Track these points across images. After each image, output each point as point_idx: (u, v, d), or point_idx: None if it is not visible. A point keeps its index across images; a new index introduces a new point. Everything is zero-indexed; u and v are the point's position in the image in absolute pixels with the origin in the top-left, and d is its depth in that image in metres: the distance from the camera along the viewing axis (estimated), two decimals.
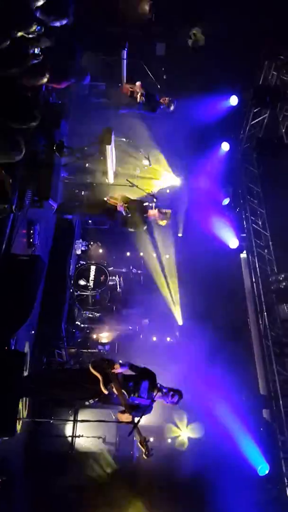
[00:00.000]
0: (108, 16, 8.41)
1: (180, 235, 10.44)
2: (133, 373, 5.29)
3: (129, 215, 6.78)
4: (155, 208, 6.84)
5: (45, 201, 5.80)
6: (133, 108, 7.84)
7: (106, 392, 4.94)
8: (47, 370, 7.08)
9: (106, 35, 8.26)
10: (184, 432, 8.22)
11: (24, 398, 5.69)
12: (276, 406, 9.25)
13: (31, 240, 6.01)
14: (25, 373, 5.64)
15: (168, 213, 6.79)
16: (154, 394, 5.12)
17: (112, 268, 9.01)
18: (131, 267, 9.52)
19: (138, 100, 7.74)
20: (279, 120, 10.26)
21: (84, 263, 8.61)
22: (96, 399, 5.02)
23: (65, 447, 6.98)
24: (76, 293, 8.14)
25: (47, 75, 5.00)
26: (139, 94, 7.64)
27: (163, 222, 6.89)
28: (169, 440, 8.14)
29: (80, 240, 8.73)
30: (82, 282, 8.18)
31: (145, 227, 7.03)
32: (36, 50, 4.88)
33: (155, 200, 8.13)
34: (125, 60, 8.13)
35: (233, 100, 10.65)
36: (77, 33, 6.44)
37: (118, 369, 5.06)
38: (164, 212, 6.76)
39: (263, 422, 9.19)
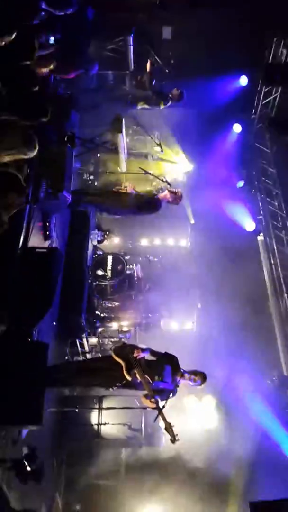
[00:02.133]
0: (112, 2, 8.30)
1: (192, 222, 10.38)
2: (155, 359, 5.33)
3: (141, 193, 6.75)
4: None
5: (59, 193, 5.81)
6: (145, 102, 7.78)
7: (129, 377, 4.99)
8: (70, 360, 7.16)
9: (111, 22, 8.16)
10: (210, 415, 8.24)
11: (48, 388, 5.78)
12: None
13: (47, 232, 6.05)
14: (49, 364, 5.71)
15: (179, 193, 6.72)
16: (178, 378, 5.15)
17: (128, 257, 9.01)
18: (147, 255, 9.50)
19: (146, 86, 7.68)
20: None
21: (101, 253, 8.64)
22: (120, 385, 5.06)
23: (92, 435, 7.06)
24: (94, 283, 8.18)
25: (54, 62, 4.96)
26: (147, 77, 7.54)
27: (175, 203, 6.82)
28: (196, 425, 8.18)
29: (96, 231, 8.74)
30: (100, 272, 8.21)
31: (158, 211, 6.95)
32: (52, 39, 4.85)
33: (168, 186, 8.11)
34: (131, 46, 8.05)
35: (243, 80, 10.49)
36: (82, 22, 6.39)
37: (140, 354, 5.10)
38: (175, 192, 6.69)
39: None
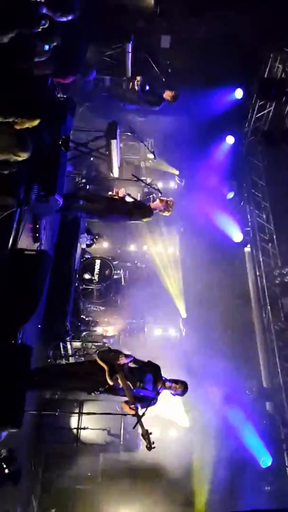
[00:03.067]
0: (112, 9, 8.34)
1: (182, 229, 10.44)
2: (138, 366, 5.36)
3: (132, 199, 6.75)
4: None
5: (51, 196, 5.81)
6: (138, 104, 7.81)
7: (111, 382, 5.01)
8: (53, 364, 7.15)
9: (110, 28, 8.21)
10: (188, 425, 8.29)
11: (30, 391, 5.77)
12: (279, 399, 9.32)
13: (37, 235, 6.05)
14: (32, 366, 5.71)
15: (170, 202, 6.69)
16: (159, 386, 5.19)
17: (116, 262, 9.04)
18: (135, 261, 9.54)
19: (136, 89, 7.68)
20: (284, 113, 10.21)
21: (89, 257, 8.65)
22: (102, 389, 5.08)
23: (71, 439, 7.06)
24: (81, 287, 8.19)
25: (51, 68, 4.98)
26: (136, 84, 7.57)
27: (167, 213, 6.80)
28: (174, 432, 8.22)
29: (85, 234, 8.76)
30: (87, 276, 8.22)
31: (150, 218, 6.95)
32: (46, 47, 4.87)
33: (159, 194, 8.16)
34: (130, 53, 8.10)
35: (238, 93, 10.60)
36: (82, 27, 6.41)
37: (123, 360, 5.13)
38: (166, 201, 6.70)
39: (266, 415, 9.26)
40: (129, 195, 6.80)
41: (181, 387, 5.29)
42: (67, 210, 6.87)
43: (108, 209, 6.84)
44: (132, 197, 6.83)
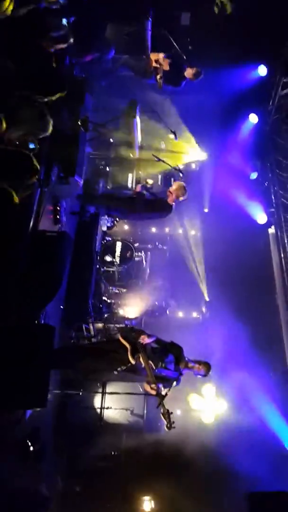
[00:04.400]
0: None
1: (206, 210, 10.31)
2: (159, 346, 5.36)
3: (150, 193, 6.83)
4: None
5: (71, 177, 5.79)
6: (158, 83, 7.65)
7: (133, 361, 5.03)
8: (75, 343, 7.22)
9: (129, 6, 8.03)
10: (211, 406, 8.29)
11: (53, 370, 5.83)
12: None
13: (57, 216, 6.05)
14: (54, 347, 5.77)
15: (180, 187, 6.78)
16: (182, 366, 5.18)
17: (138, 244, 9.01)
18: (157, 243, 9.50)
19: (158, 79, 7.56)
20: None
21: (110, 239, 8.64)
22: (124, 368, 5.10)
23: (94, 418, 7.14)
24: (102, 269, 8.20)
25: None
26: (161, 72, 7.44)
27: (182, 197, 6.89)
28: (196, 413, 8.23)
29: (106, 216, 8.73)
30: (108, 258, 8.23)
31: (170, 213, 7.08)
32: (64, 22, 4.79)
33: (181, 174, 8.06)
34: (149, 31, 7.91)
35: (262, 70, 10.29)
36: (100, 5, 6.31)
37: (146, 340, 5.13)
38: (177, 189, 6.78)
39: None
40: (145, 188, 6.93)
41: (204, 368, 5.28)
42: (84, 212, 6.99)
43: (128, 209, 7.08)
44: (150, 191, 6.94)
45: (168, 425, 4.65)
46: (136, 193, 7.04)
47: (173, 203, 6.87)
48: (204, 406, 8.16)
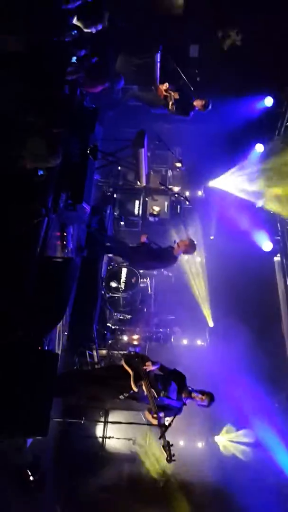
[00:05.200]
0: (142, 18, 8.40)
1: (212, 237, 10.36)
2: (163, 374, 5.30)
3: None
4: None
5: (78, 204, 5.87)
6: (166, 109, 7.83)
7: (135, 389, 4.96)
8: (78, 369, 7.17)
9: (139, 37, 8.27)
10: (217, 438, 8.16)
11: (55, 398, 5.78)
12: None
13: (64, 242, 6.10)
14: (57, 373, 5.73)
15: (189, 242, 7.03)
16: (184, 396, 5.12)
17: (143, 270, 9.01)
18: (162, 269, 9.50)
19: (170, 106, 7.74)
20: None
21: (116, 265, 8.67)
22: (126, 395, 5.03)
23: (96, 447, 7.03)
24: (107, 295, 8.20)
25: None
26: (172, 99, 7.63)
27: (190, 252, 7.26)
28: (200, 445, 8.09)
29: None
30: (113, 284, 8.23)
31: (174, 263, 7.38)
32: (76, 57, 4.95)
33: (187, 202, 8.15)
34: (158, 63, 8.13)
35: (268, 101, 10.49)
36: (111, 37, 6.49)
37: (150, 367, 5.08)
38: (186, 243, 7.01)
39: None
40: (148, 240, 7.18)
41: (207, 399, 5.21)
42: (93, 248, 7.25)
43: (133, 258, 7.40)
44: (154, 243, 7.14)
45: (168, 458, 4.56)
46: (141, 244, 7.19)
47: (178, 255, 7.06)
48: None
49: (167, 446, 4.59)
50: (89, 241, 7.18)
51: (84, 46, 5.19)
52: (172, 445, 4.61)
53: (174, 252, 6.97)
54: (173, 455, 4.55)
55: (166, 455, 4.57)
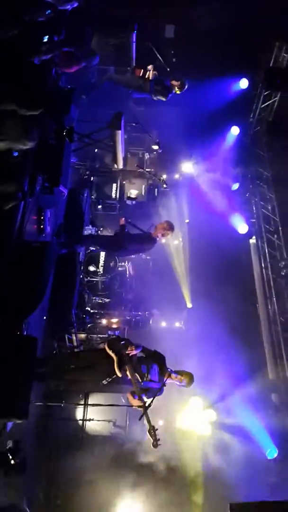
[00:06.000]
0: None
1: (187, 221, 10.39)
2: (145, 356, 5.32)
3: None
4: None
5: (55, 187, 5.78)
6: (146, 93, 7.74)
7: (120, 374, 4.96)
8: (58, 353, 7.15)
9: (114, 17, 8.11)
10: (193, 416, 8.29)
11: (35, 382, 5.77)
12: (285, 389, 9.30)
13: (41, 226, 6.02)
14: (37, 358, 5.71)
15: (167, 225, 7.00)
16: (165, 377, 5.16)
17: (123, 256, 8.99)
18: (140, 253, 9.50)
19: (150, 78, 7.63)
20: None
21: (94, 249, 8.62)
22: (108, 380, 5.04)
23: (76, 430, 7.07)
24: (86, 279, 8.17)
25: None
26: (151, 74, 7.52)
27: (169, 235, 7.21)
28: (178, 424, 8.22)
29: (90, 226, 8.72)
30: (92, 268, 8.20)
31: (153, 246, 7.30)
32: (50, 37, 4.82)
33: (164, 186, 8.13)
34: (134, 43, 8.00)
35: (243, 83, 10.49)
36: (86, 16, 6.34)
37: (133, 351, 5.09)
38: (164, 226, 6.98)
39: (272, 406, 9.24)
40: (128, 222, 7.11)
41: (186, 379, 5.27)
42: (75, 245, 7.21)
43: (113, 248, 7.32)
44: (133, 224, 7.12)
45: (154, 443, 4.56)
46: (120, 226, 7.12)
47: (158, 237, 7.04)
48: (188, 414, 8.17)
49: (152, 431, 4.59)
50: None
51: (58, 25, 5.05)
52: (157, 429, 4.61)
53: (153, 235, 6.95)
54: (158, 440, 4.57)
55: (152, 440, 4.58)
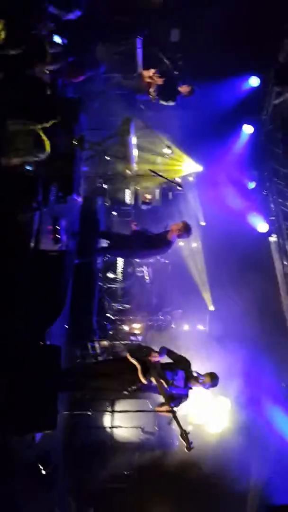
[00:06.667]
0: (118, 5, 8.27)
1: (203, 223, 10.32)
2: (169, 361, 5.27)
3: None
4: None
5: (69, 196, 5.82)
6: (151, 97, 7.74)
7: (145, 381, 4.90)
8: (82, 363, 7.16)
9: (118, 25, 8.14)
10: (223, 420, 8.19)
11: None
12: None
13: (57, 236, 6.05)
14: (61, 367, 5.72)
15: (183, 225, 6.61)
16: (191, 382, 5.10)
17: (140, 260, 8.99)
18: (158, 257, 9.47)
19: (151, 93, 7.62)
20: None
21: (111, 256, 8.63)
22: (133, 388, 5.00)
23: (104, 438, 7.05)
24: (105, 286, 8.18)
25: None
26: (154, 86, 7.50)
27: (185, 236, 6.83)
28: (210, 429, 8.12)
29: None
30: (110, 275, 8.23)
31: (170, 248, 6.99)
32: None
33: (179, 188, 8.09)
34: (140, 49, 8.02)
35: (254, 81, 10.41)
36: (90, 25, 6.40)
37: (156, 358, 5.04)
38: (180, 227, 6.60)
39: None
40: (138, 226, 6.86)
41: (212, 380, 5.20)
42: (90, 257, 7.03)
43: (127, 251, 7.05)
44: (145, 229, 6.86)
45: (187, 446, 4.48)
46: (133, 232, 6.89)
47: (173, 240, 6.71)
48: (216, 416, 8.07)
49: (184, 435, 4.51)
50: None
51: (64, 34, 5.13)
52: (188, 433, 4.54)
53: (168, 237, 6.67)
54: (191, 443, 4.51)
55: (185, 443, 4.50)
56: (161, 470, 7.12)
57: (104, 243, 7.41)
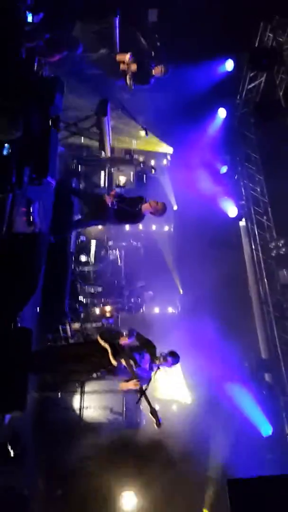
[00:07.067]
0: None
1: (175, 207, 10.38)
2: (136, 343, 5.38)
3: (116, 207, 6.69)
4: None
5: (43, 178, 5.73)
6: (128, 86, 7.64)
7: (115, 363, 5.03)
8: (53, 345, 7.19)
9: (96, 4, 7.94)
10: (188, 398, 8.42)
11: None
12: (278, 368, 9.47)
13: (31, 218, 5.97)
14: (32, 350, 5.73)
15: (160, 205, 6.61)
16: (156, 363, 5.25)
17: (112, 242, 9.01)
18: (131, 240, 9.51)
19: (127, 81, 7.51)
20: (276, 83, 10.06)
21: (84, 238, 8.60)
22: (103, 370, 5.11)
23: (74, 419, 7.14)
24: (78, 269, 8.17)
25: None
26: (129, 73, 7.40)
27: (158, 214, 6.76)
28: (174, 407, 8.34)
29: (79, 215, 8.68)
30: (83, 258, 8.21)
31: (141, 221, 7.04)
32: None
33: (153, 170, 8.09)
34: (117, 29, 7.86)
35: (229, 65, 10.40)
36: (67, 2, 6.24)
37: (125, 340, 5.15)
38: (156, 203, 6.60)
39: (265, 386, 9.41)
40: (116, 197, 6.74)
41: (174, 357, 5.32)
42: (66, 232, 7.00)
43: (101, 218, 7.03)
44: (122, 198, 6.77)
45: (157, 423, 4.70)
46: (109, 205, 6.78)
47: (146, 214, 6.73)
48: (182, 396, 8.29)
49: (154, 412, 4.72)
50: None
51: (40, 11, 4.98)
52: (157, 410, 4.74)
53: (142, 209, 6.65)
54: (160, 419, 4.69)
55: (155, 420, 4.70)
56: (130, 449, 7.28)
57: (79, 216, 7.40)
